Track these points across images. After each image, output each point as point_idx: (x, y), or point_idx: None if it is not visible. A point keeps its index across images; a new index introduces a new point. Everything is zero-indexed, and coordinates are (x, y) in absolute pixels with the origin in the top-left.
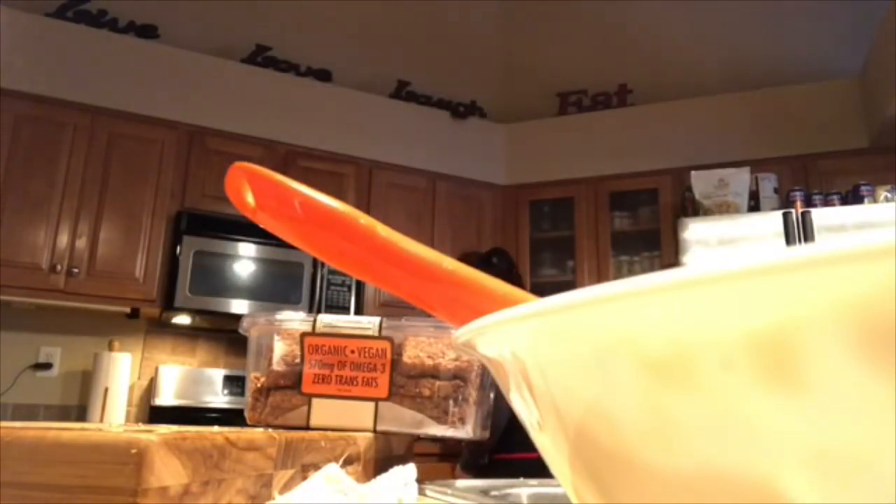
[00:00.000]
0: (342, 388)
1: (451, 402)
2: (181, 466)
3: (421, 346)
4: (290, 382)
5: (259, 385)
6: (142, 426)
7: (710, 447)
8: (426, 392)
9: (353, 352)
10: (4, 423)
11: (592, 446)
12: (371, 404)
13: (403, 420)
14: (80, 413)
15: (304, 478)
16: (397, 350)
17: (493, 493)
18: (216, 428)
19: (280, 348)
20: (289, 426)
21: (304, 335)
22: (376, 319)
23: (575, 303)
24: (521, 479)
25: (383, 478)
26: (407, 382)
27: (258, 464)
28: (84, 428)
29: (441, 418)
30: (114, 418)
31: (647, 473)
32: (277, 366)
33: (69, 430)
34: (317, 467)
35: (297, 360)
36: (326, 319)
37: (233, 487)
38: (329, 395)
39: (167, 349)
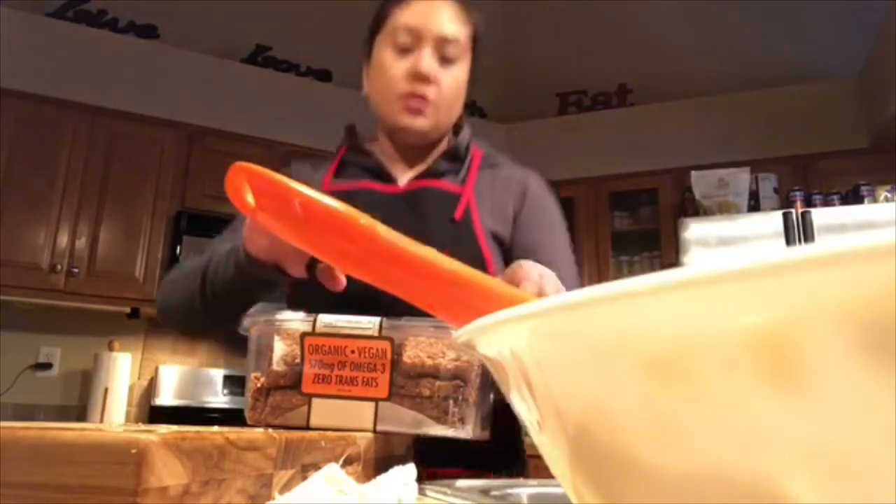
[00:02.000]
0: (342, 388)
1: (451, 402)
2: (181, 466)
3: (421, 346)
4: (291, 382)
5: (259, 385)
6: (142, 426)
7: (710, 447)
8: (426, 392)
9: (353, 352)
10: (4, 423)
11: (592, 446)
12: (371, 404)
13: (403, 420)
14: (80, 413)
15: (304, 478)
16: (397, 350)
17: (494, 493)
18: (216, 428)
19: (280, 348)
20: (289, 426)
21: (304, 335)
22: (376, 319)
23: (575, 303)
24: (521, 480)
25: (383, 478)
26: (407, 382)
27: (258, 464)
28: (84, 428)
29: (441, 418)
30: (114, 418)
31: (646, 473)
32: (277, 366)
33: (69, 430)
34: (317, 467)
35: (297, 360)
36: (326, 319)
37: (233, 487)
38: (329, 396)
39: (167, 349)
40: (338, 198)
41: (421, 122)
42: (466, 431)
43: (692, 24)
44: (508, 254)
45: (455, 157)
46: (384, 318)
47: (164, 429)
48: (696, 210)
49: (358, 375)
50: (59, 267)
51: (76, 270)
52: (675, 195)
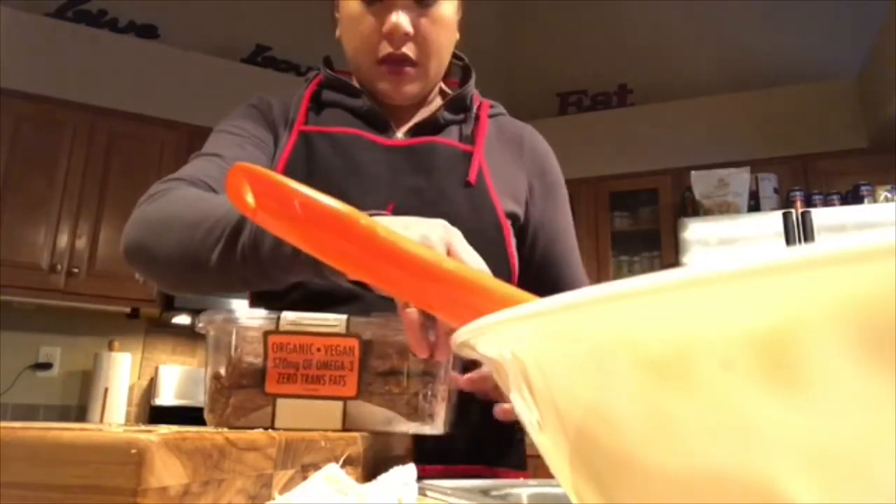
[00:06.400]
0: (308, 388)
1: (420, 397)
2: (181, 466)
3: (389, 343)
4: (253, 382)
5: (220, 385)
6: (142, 426)
7: (710, 447)
8: (396, 389)
9: (319, 350)
10: (4, 423)
11: (592, 446)
12: (339, 403)
13: (373, 418)
14: (80, 413)
15: (304, 478)
16: (365, 347)
17: (493, 493)
18: (216, 427)
19: (242, 347)
20: (252, 427)
21: (267, 333)
22: (343, 317)
23: (575, 303)
24: (521, 480)
25: (383, 478)
26: (376, 380)
27: (258, 464)
28: (84, 428)
29: (411, 415)
30: (114, 418)
31: (646, 473)
32: (239, 365)
33: (69, 430)
34: (317, 467)
35: (260, 359)
36: (291, 317)
37: (233, 487)
38: (295, 395)
39: (167, 349)
40: (322, 140)
41: (406, 88)
42: (436, 427)
43: (692, 24)
44: (521, 231)
45: (459, 106)
46: (351, 315)
47: (164, 429)
48: (696, 210)
49: (325, 374)
50: (59, 267)
51: (76, 270)
52: (675, 195)
